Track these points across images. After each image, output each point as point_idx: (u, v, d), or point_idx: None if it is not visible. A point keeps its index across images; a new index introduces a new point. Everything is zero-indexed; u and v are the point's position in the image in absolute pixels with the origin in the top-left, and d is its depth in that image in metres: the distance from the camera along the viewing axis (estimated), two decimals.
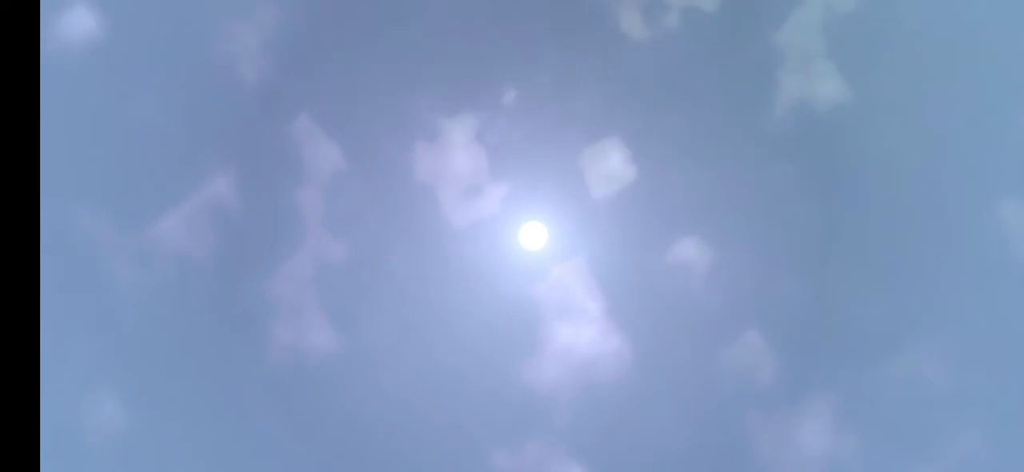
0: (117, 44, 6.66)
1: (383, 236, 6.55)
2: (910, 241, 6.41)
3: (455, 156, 6.72)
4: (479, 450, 6.46)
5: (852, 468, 6.30)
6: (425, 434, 6.36)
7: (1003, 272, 6.46)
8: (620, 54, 6.70)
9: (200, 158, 6.59)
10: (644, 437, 6.35)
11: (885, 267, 6.45)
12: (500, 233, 6.54)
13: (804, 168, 6.51)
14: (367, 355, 6.39)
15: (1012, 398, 6.21)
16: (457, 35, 6.68)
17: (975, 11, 6.57)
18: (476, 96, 6.71)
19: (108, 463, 6.30)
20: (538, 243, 6.55)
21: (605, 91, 6.66)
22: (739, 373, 6.36)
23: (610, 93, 6.66)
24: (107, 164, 6.52)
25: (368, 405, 6.36)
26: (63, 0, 6.47)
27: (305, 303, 6.51)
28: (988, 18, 6.59)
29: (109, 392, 6.39)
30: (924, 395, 6.29)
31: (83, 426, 6.38)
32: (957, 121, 6.56)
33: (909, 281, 6.37)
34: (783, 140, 6.58)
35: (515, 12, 6.76)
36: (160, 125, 6.53)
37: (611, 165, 6.64)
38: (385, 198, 6.57)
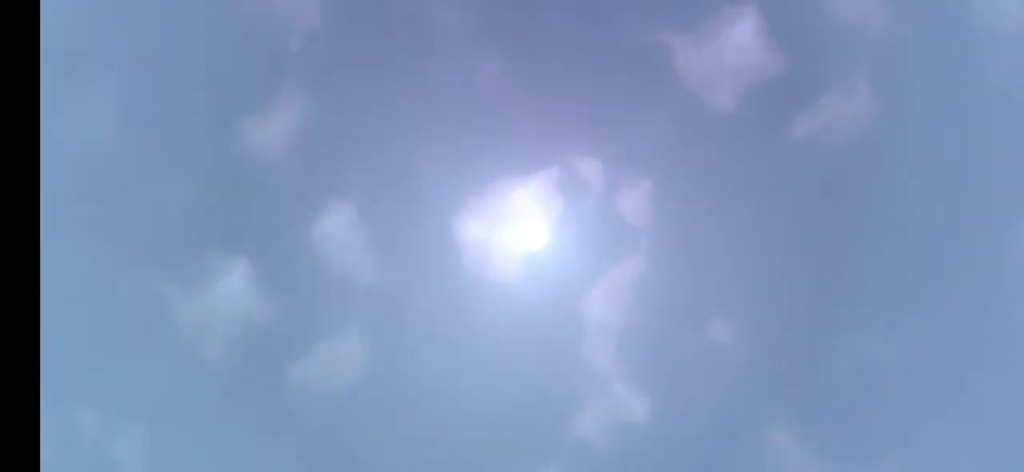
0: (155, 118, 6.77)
1: (418, 265, 6.54)
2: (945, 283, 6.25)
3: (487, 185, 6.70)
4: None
5: None
6: (449, 458, 6.30)
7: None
8: (658, 94, 6.68)
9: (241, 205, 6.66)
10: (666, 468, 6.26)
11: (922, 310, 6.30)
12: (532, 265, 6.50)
13: (829, 202, 6.40)
14: (402, 384, 6.35)
15: None
16: (490, 73, 6.71)
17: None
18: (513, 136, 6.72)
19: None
20: (562, 268, 6.50)
21: (638, 126, 6.63)
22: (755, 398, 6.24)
23: (643, 127, 6.62)
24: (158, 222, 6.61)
25: (398, 433, 6.31)
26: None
27: (338, 334, 6.49)
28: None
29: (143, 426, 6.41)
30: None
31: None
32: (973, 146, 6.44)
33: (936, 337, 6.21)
34: (809, 178, 6.50)
35: (548, 51, 6.77)
36: (212, 184, 6.63)
37: (638, 198, 6.58)
38: (417, 228, 6.58)
